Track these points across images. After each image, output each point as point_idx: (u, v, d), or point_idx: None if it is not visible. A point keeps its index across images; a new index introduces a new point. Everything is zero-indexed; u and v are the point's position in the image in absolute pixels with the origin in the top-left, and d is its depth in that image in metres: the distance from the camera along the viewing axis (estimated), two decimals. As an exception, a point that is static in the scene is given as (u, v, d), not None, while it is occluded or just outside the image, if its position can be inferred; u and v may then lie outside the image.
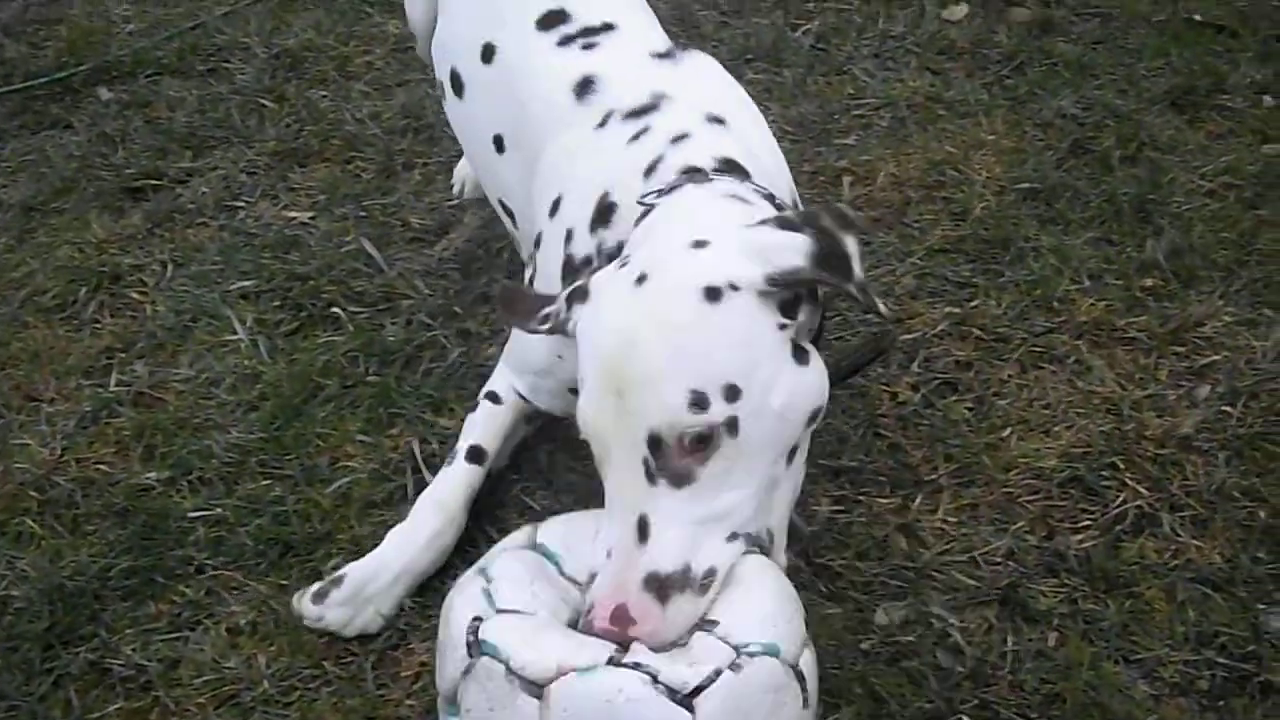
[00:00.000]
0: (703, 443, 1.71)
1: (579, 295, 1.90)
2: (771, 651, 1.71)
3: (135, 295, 3.16)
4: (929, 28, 4.06)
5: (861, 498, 2.48)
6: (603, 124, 2.25)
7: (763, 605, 1.76)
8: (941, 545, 2.38)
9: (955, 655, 2.18)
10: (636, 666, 1.64)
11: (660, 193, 2.01)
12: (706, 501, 1.73)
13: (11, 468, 2.66)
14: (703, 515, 1.74)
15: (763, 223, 1.87)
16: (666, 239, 1.87)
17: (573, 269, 2.14)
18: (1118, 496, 2.45)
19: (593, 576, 1.77)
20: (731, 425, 1.71)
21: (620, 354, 1.73)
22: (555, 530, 1.91)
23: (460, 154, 3.27)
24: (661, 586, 1.70)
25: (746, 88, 3.73)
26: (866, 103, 3.71)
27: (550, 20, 2.45)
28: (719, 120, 2.18)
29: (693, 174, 2.03)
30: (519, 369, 2.40)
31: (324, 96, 3.90)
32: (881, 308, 1.85)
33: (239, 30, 4.34)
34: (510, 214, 2.60)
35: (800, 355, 1.82)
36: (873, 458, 2.55)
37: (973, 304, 2.91)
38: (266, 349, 2.90)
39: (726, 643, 1.69)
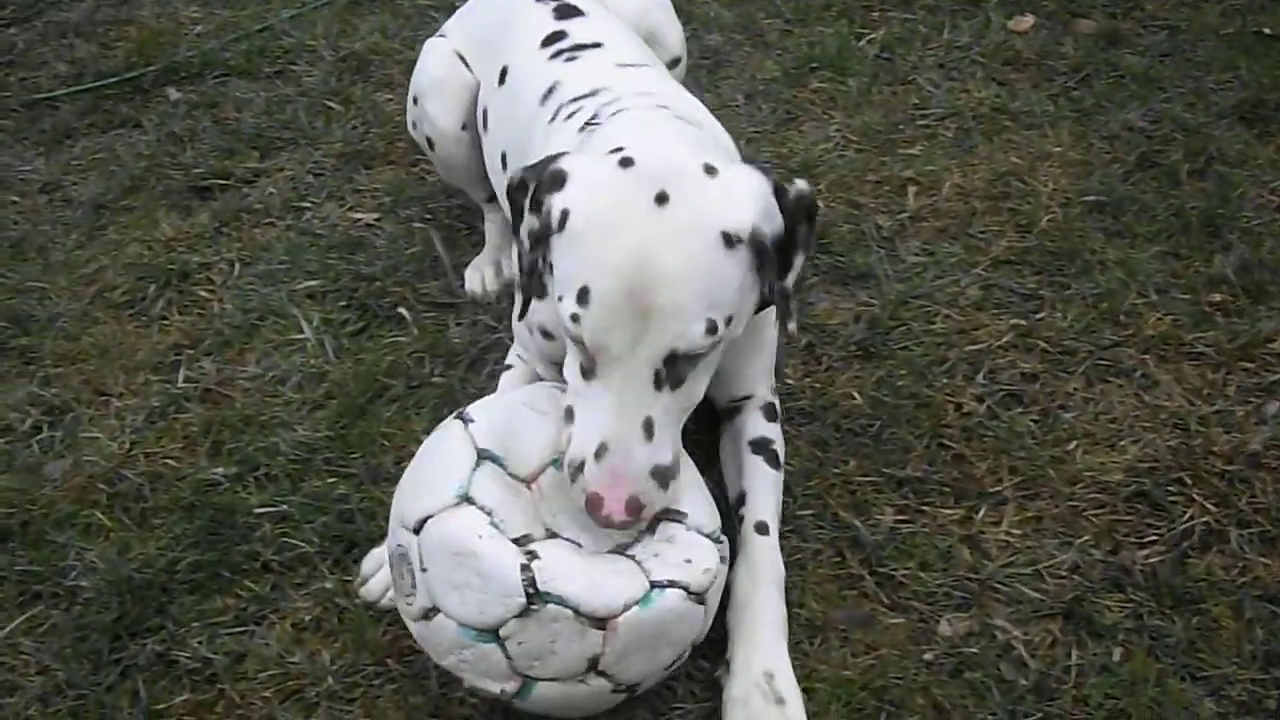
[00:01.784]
0: (701, 355, 1.96)
1: (552, 184, 1.99)
2: (721, 534, 2.09)
3: (203, 293, 3.20)
4: (994, 38, 4.04)
5: (925, 508, 2.47)
6: (553, 118, 2.43)
7: (701, 489, 2.11)
8: (1006, 557, 2.36)
9: (1019, 668, 2.17)
10: (672, 584, 1.93)
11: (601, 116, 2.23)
12: (687, 396, 2.00)
13: (81, 461, 2.71)
14: (683, 407, 2.01)
15: (760, 167, 2.05)
16: (669, 151, 2.03)
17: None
18: (1184, 512, 2.43)
19: (539, 470, 2.02)
20: (720, 341, 1.98)
21: (646, 281, 1.87)
22: (487, 429, 2.05)
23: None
24: (664, 476, 1.96)
25: (810, 96, 3.79)
26: (932, 113, 3.70)
27: (551, 39, 2.71)
28: (647, 94, 2.35)
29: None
30: (516, 339, 2.55)
31: (389, 100, 3.93)
32: (793, 325, 2.08)
33: (306, 33, 4.38)
34: None
35: (758, 291, 2.05)
36: (937, 468, 2.54)
37: (1038, 316, 2.90)
38: (332, 348, 2.93)
39: (702, 534, 2.03)
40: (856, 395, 2.70)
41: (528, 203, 2.04)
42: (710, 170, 1.97)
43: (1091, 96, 3.72)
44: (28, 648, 2.33)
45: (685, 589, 1.94)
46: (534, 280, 2.06)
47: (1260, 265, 3.00)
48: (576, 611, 1.85)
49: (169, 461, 2.69)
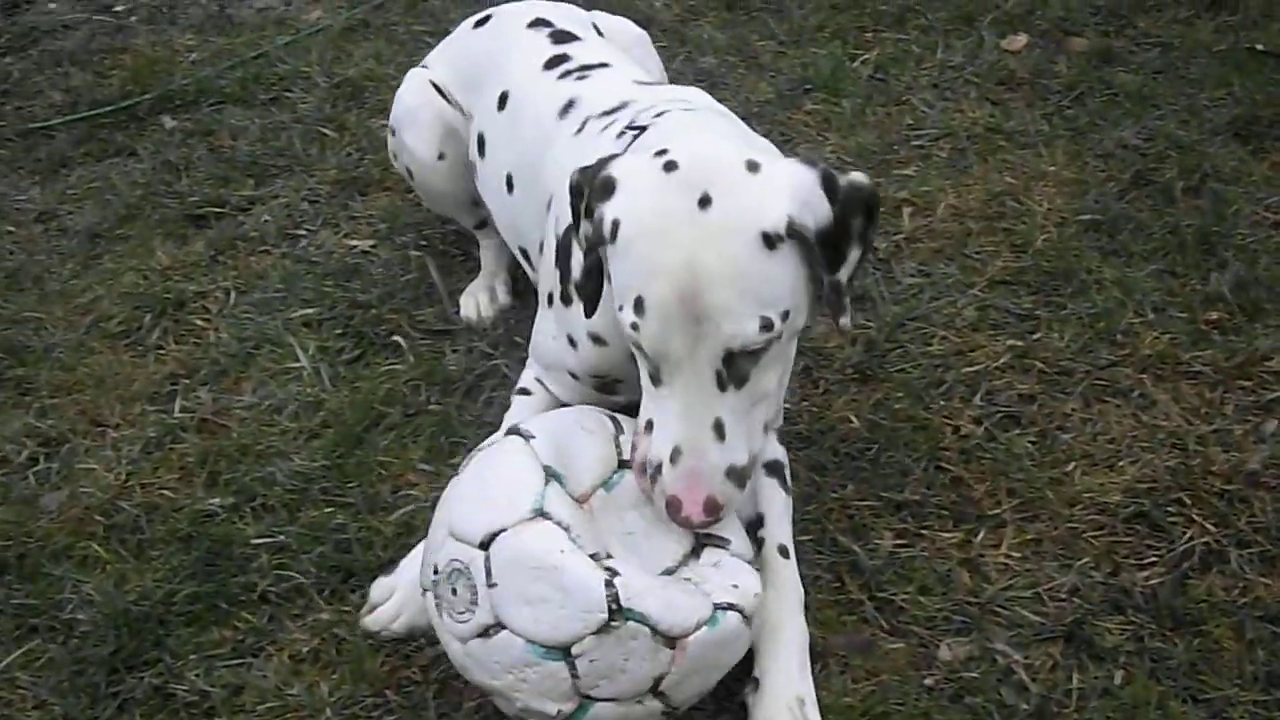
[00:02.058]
0: (761, 350, 1.95)
1: (603, 192, 2.00)
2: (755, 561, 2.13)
3: (199, 322, 3.20)
4: (988, 58, 4.05)
5: (924, 531, 2.46)
6: (580, 129, 2.44)
7: (734, 517, 2.11)
8: (1005, 580, 2.35)
9: (1020, 692, 2.16)
10: (731, 607, 1.95)
11: (643, 119, 2.24)
12: (752, 393, 1.99)
13: (78, 492, 2.70)
14: (753, 403, 2.00)
15: (808, 159, 2.02)
16: (713, 150, 2.02)
17: (561, 245, 2.32)
18: (1184, 533, 2.42)
19: (591, 492, 2.03)
20: (780, 335, 1.97)
21: (694, 285, 1.88)
22: (548, 446, 2.04)
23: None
24: (740, 476, 1.98)
25: (805, 118, 3.79)
26: (926, 133, 3.70)
27: (554, 62, 2.73)
28: (683, 100, 2.39)
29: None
30: (540, 362, 2.52)
31: (384, 126, 3.87)
32: (845, 320, 2.03)
33: (301, 60, 4.40)
34: (528, 258, 2.71)
35: (818, 283, 2.02)
36: (935, 491, 2.54)
37: (1035, 336, 2.89)
38: (329, 376, 2.93)
39: (744, 560, 2.06)
40: (854, 419, 2.70)
41: (583, 208, 2.05)
42: (753, 167, 1.97)
43: (1085, 115, 3.73)
44: (24, 682, 2.32)
45: (741, 612, 1.97)
46: (590, 284, 2.08)
47: (1256, 283, 2.99)
48: (654, 630, 1.87)
49: (165, 492, 2.69)
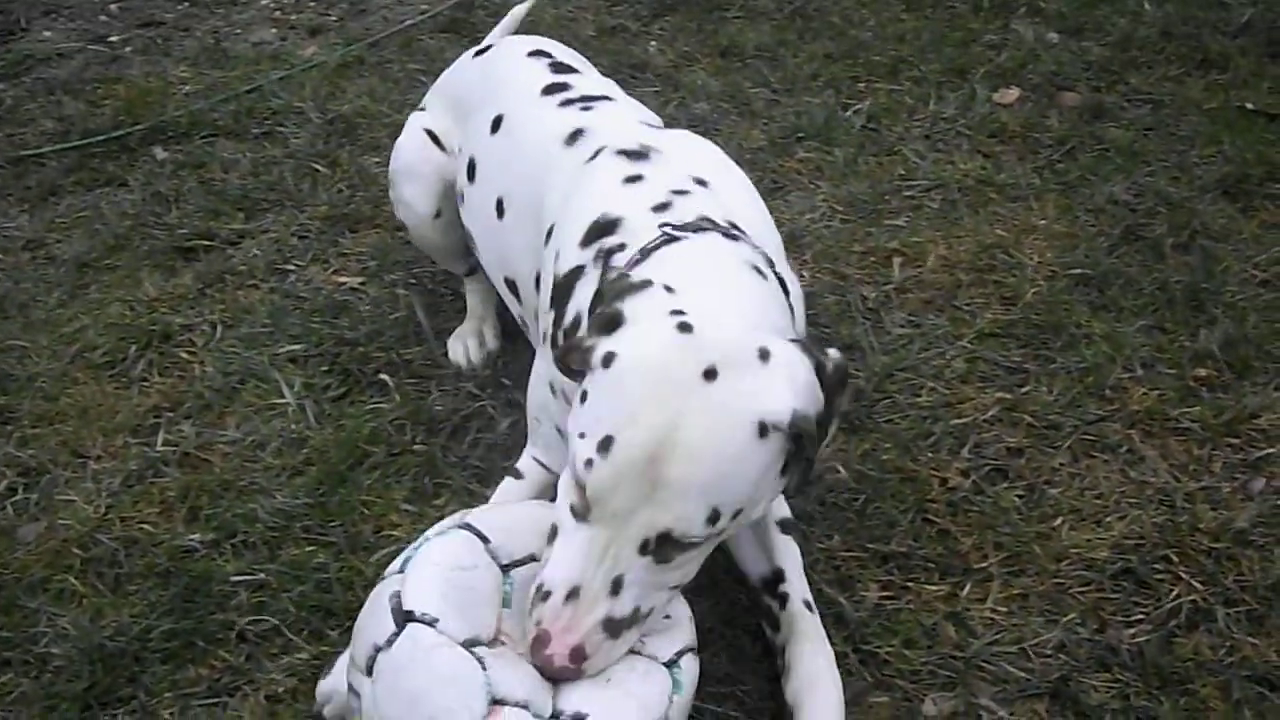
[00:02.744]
0: (694, 545, 1.84)
1: (605, 326, 1.87)
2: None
3: (184, 355, 3.18)
4: (980, 110, 4.06)
5: (910, 584, 2.44)
6: (593, 158, 2.35)
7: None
8: (991, 635, 2.34)
9: (1005, 749, 2.14)
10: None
11: (682, 229, 2.07)
12: (673, 573, 1.86)
13: (56, 524, 2.67)
14: (664, 582, 1.87)
15: (803, 345, 1.89)
16: (731, 322, 1.87)
17: (561, 286, 2.19)
18: (1171, 590, 2.41)
19: (522, 560, 1.92)
20: (720, 534, 1.85)
21: (668, 451, 1.76)
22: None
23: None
24: (615, 627, 1.83)
25: (797, 166, 3.80)
26: (917, 184, 3.71)
27: (553, 89, 2.67)
28: (703, 183, 2.26)
29: (713, 223, 2.11)
30: (531, 409, 2.42)
31: (376, 163, 3.93)
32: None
33: (294, 95, 4.39)
34: (514, 289, 2.61)
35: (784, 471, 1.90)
36: (922, 544, 2.52)
37: (1024, 390, 2.89)
38: (313, 414, 2.91)
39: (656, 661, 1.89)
40: (841, 469, 2.69)
41: (569, 308, 1.98)
42: (764, 355, 1.83)
43: (1076, 169, 3.74)
44: (-5, 717, 2.29)
45: None
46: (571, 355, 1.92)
47: (1245, 340, 3.00)
48: None
49: (145, 526, 2.66)
